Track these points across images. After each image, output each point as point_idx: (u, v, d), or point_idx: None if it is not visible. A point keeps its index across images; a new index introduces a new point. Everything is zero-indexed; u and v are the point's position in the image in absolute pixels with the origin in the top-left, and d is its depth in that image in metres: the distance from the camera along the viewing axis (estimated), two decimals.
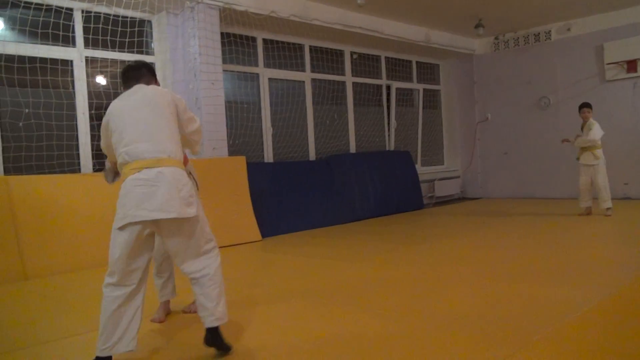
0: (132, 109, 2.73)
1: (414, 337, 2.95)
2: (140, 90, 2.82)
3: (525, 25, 10.22)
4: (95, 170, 6.24)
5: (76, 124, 6.20)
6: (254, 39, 8.01)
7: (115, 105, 2.78)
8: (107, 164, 3.18)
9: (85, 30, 6.23)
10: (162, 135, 2.71)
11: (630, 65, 9.13)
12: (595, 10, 9.31)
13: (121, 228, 2.59)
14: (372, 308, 3.59)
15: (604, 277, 4.11)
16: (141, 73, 2.97)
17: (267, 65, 8.20)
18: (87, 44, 6.27)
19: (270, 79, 8.24)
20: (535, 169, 10.45)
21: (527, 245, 5.69)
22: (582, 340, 2.77)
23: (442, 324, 3.15)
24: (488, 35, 10.69)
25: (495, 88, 11.00)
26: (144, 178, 2.59)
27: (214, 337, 2.78)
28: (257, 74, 8.08)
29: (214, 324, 2.77)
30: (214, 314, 2.76)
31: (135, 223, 2.58)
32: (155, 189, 2.58)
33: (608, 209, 7.34)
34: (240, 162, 6.97)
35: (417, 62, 11.03)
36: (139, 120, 2.69)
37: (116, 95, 6.34)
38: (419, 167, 10.63)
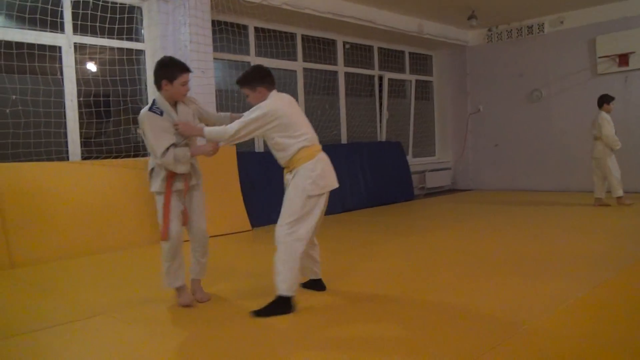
0: (294, 109, 3.55)
1: (402, 326, 2.96)
2: (284, 96, 3.58)
3: (518, 18, 10.20)
4: (84, 157, 6.18)
5: (64, 111, 6.12)
6: (245, 27, 7.94)
7: (279, 106, 3.43)
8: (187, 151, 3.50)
9: (74, 16, 6.13)
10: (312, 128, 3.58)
11: (622, 59, 9.14)
12: (588, 3, 9.30)
13: (321, 195, 3.40)
14: (361, 298, 3.59)
15: (589, 269, 4.13)
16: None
17: (259, 54, 8.14)
18: (75, 30, 6.18)
19: None
20: (526, 162, 10.48)
21: (515, 237, 5.71)
22: (566, 332, 2.79)
23: (430, 313, 3.15)
24: (481, 27, 10.66)
25: (487, 80, 11.00)
26: (325, 158, 3.50)
27: (320, 283, 3.82)
28: (249, 63, 8.01)
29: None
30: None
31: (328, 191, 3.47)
32: (330, 165, 3.53)
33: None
34: (230, 151, 6.93)
35: (409, 52, 10.99)
36: (301, 118, 3.55)
37: (105, 82, 6.37)
38: (410, 158, 10.62)
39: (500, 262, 4.51)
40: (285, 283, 3.27)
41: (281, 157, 3.48)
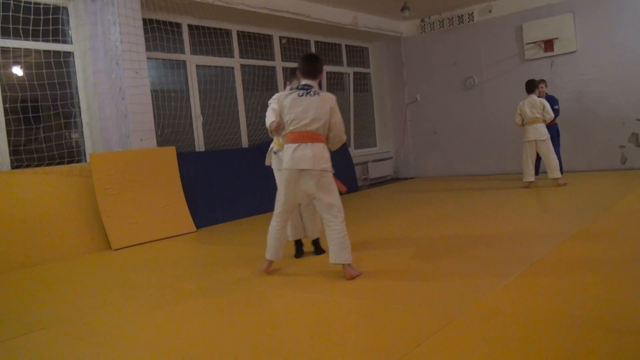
0: None
1: (347, 311, 2.99)
2: None
3: (449, 7, 10.46)
4: (14, 167, 5.89)
5: None
6: (179, 25, 7.77)
7: None
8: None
9: None
10: None
11: (547, 44, 9.54)
12: None
13: None
14: (315, 290, 3.60)
15: (526, 248, 4.31)
16: None
17: (194, 52, 7.99)
18: None
19: (198, 66, 8.04)
20: (464, 148, 10.79)
21: (458, 221, 5.88)
22: (502, 313, 2.90)
23: (371, 300, 3.20)
24: (414, 18, 10.87)
25: (423, 69, 11.23)
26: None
27: None
28: (184, 61, 7.86)
29: None
30: None
31: None
32: None
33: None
34: (170, 152, 6.78)
35: (346, 45, 11.07)
36: None
37: (33, 87, 6.10)
38: (352, 150, 10.73)
39: (440, 247, 4.64)
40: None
41: None
